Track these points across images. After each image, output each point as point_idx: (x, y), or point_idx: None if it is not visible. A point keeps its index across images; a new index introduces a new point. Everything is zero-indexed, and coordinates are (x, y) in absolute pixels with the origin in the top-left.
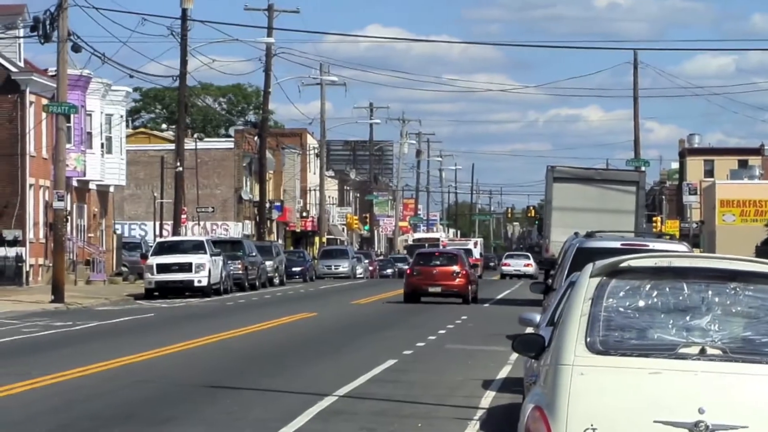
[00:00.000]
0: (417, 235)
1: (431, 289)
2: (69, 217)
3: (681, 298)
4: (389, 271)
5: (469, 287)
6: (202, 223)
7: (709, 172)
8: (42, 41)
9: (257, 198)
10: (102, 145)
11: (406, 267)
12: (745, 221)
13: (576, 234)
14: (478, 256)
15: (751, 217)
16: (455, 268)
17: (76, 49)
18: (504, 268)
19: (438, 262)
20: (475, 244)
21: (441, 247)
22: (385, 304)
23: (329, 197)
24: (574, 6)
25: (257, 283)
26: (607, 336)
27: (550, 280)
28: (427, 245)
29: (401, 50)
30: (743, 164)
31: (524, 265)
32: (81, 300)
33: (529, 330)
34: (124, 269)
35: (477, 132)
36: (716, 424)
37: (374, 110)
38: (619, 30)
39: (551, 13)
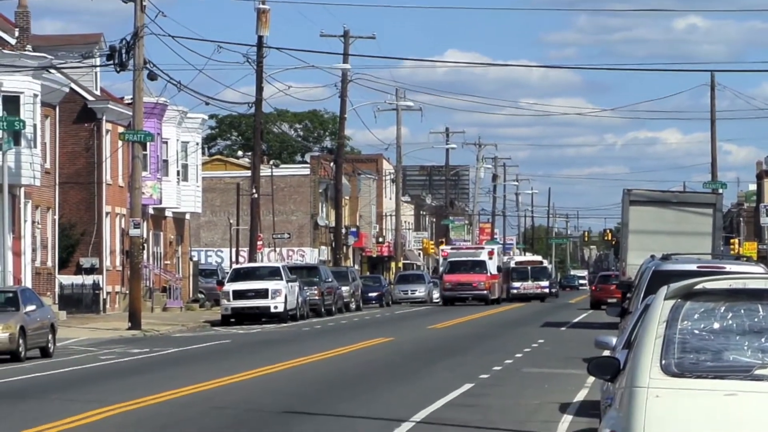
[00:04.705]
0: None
1: (609, 300)
2: (145, 245)
3: (756, 319)
4: None
5: None
6: (278, 249)
7: None
8: (118, 70)
9: (333, 224)
10: (178, 172)
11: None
12: None
13: (652, 257)
14: (495, 272)
15: None
16: None
17: (152, 77)
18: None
19: (614, 281)
20: (490, 253)
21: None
22: (462, 329)
23: (405, 222)
24: (653, 29)
25: (333, 309)
26: (682, 358)
27: (626, 303)
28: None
29: (478, 74)
30: None
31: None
32: (157, 327)
33: (606, 353)
34: (201, 296)
35: (554, 156)
36: None
37: (450, 135)
38: (697, 52)
39: (629, 35)
